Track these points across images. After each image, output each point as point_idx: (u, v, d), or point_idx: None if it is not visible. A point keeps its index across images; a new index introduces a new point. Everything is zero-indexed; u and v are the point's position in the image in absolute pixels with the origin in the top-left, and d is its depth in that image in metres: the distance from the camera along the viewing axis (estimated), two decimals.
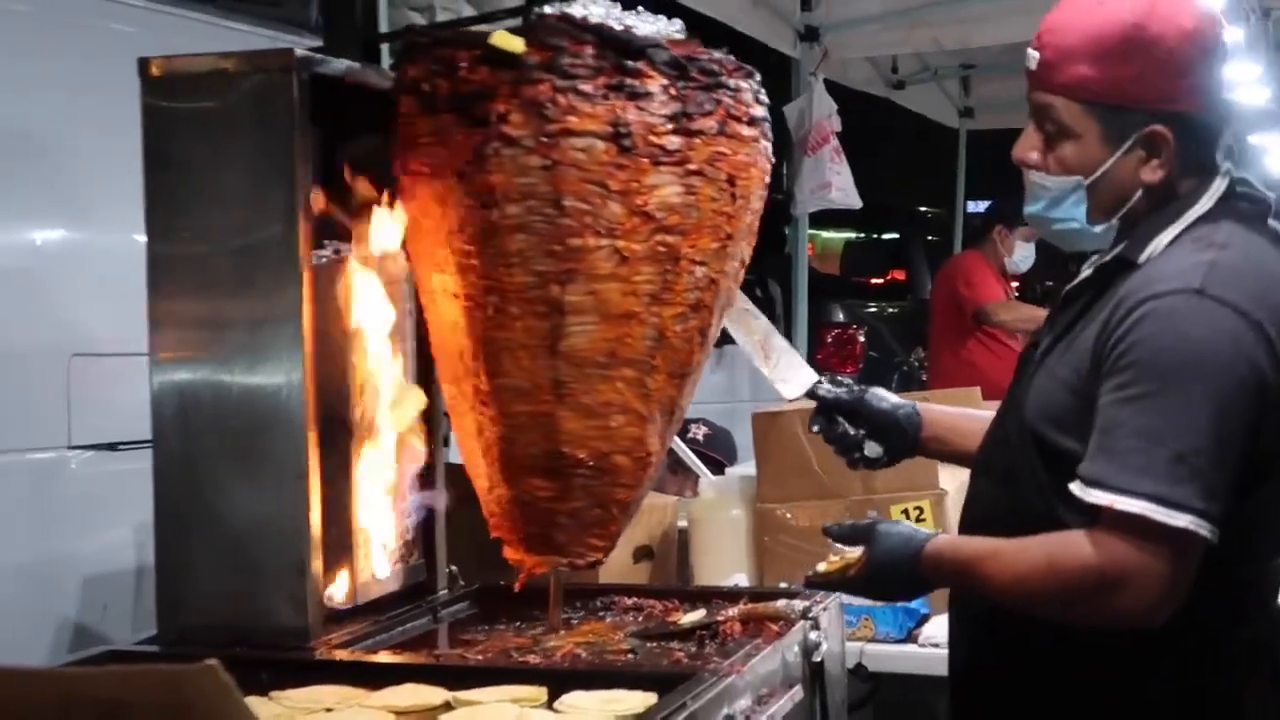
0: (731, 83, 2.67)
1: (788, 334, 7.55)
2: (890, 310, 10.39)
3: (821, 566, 2.55)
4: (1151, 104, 2.21)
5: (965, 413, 2.80)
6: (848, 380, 2.70)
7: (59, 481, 3.61)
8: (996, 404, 2.50)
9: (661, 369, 2.68)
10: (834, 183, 7.03)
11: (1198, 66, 2.21)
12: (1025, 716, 2.39)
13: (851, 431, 2.71)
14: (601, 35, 2.59)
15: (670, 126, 2.59)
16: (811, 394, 2.76)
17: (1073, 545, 2.15)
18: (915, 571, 2.34)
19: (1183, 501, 2.07)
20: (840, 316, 9.19)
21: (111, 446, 3.63)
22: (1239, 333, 2.10)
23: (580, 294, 2.60)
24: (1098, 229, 2.29)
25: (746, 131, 2.69)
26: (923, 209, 11.89)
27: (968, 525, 2.47)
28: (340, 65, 2.78)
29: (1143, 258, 2.23)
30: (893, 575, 2.39)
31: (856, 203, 7.18)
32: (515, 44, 2.54)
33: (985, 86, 9.20)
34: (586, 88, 2.58)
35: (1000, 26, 6.97)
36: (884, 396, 2.71)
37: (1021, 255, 7.00)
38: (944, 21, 7.03)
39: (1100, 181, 2.25)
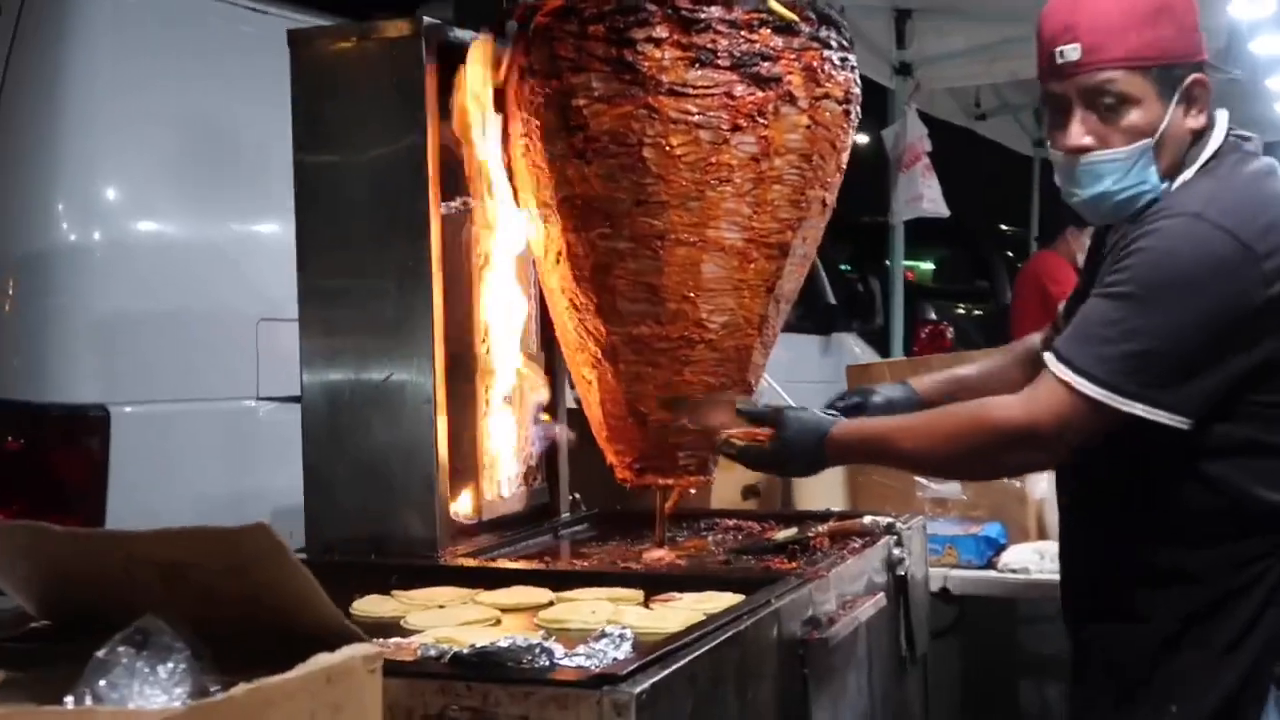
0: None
1: (885, 326, 7.14)
2: (976, 312, 9.90)
3: (734, 439, 2.21)
4: (1186, 58, 1.99)
5: (952, 374, 2.47)
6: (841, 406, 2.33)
7: (249, 427, 3.42)
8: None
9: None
10: (925, 194, 6.62)
11: (1196, 20, 2.02)
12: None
13: None
14: (817, 12, 2.35)
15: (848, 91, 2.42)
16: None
17: (996, 405, 2.00)
18: (819, 453, 2.14)
19: (1136, 391, 1.87)
20: (932, 315, 8.73)
21: (295, 399, 3.40)
22: (1227, 254, 1.87)
23: (798, 239, 2.38)
24: (1163, 186, 1.99)
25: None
26: (1003, 228, 11.38)
27: (1071, 500, 2.18)
28: (467, 35, 2.49)
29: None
30: (798, 455, 2.16)
31: (944, 211, 6.73)
32: (788, 13, 2.29)
33: None
34: (834, 57, 2.34)
35: None
36: (887, 400, 2.36)
37: None
38: (1021, 55, 6.53)
39: (1163, 138, 1.98)
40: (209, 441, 3.38)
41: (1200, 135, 2.01)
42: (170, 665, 1.17)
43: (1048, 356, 1.95)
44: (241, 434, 3.45)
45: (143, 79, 3.27)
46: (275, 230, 3.51)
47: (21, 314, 3.12)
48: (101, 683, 1.14)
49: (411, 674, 1.55)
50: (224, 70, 3.42)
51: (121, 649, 1.17)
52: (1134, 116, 1.97)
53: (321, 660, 1.21)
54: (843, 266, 8.25)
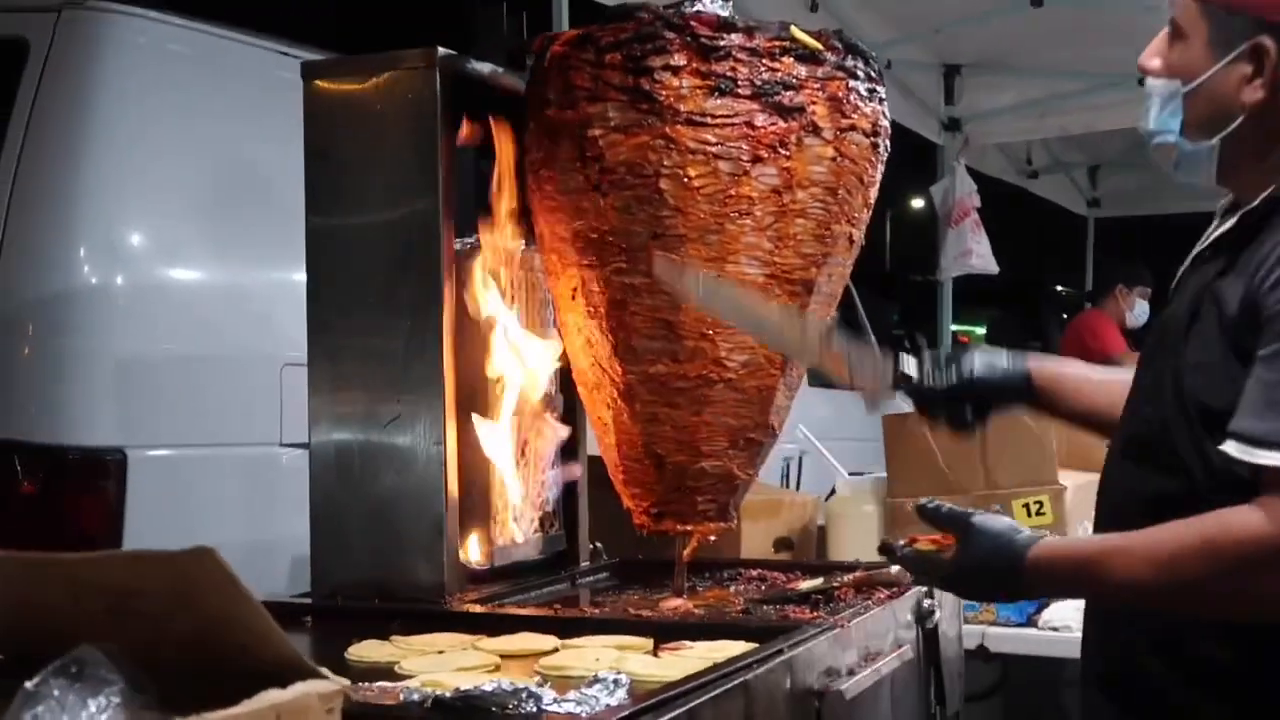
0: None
1: None
2: None
3: (920, 544, 1.77)
4: (1264, 11, 1.63)
5: (1076, 367, 2.11)
6: (931, 356, 2.03)
7: (271, 473, 3.35)
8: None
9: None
10: (974, 250, 6.49)
11: None
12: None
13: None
14: (844, 42, 2.27)
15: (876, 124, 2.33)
16: (911, 390, 2.10)
17: (1233, 519, 1.53)
18: (1016, 580, 1.67)
19: None
20: None
21: None
22: None
23: (823, 276, 2.28)
24: (1190, 147, 1.70)
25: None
26: (1058, 289, 11.23)
27: (1107, 510, 1.81)
28: (484, 68, 2.43)
29: None
30: (986, 581, 1.72)
31: (993, 268, 6.61)
32: (812, 41, 2.20)
33: (1110, 180, 8.51)
34: (861, 88, 2.25)
35: (1120, 113, 6.36)
36: (990, 366, 2.07)
37: (1140, 311, 6.39)
38: (1071, 110, 6.45)
39: (1198, 92, 1.68)
40: (229, 487, 3.32)
41: (1265, 114, 1.66)
42: (102, 699, 1.08)
43: (1236, 447, 1.54)
44: (263, 480, 3.38)
45: (167, 122, 3.25)
46: (300, 274, 3.46)
47: (40, 356, 3.08)
48: (28, 717, 1.06)
49: (387, 718, 1.46)
50: (249, 114, 3.40)
51: (53, 680, 1.09)
52: (1176, 52, 1.71)
53: (270, 697, 1.12)
54: (895, 332, 8.13)
